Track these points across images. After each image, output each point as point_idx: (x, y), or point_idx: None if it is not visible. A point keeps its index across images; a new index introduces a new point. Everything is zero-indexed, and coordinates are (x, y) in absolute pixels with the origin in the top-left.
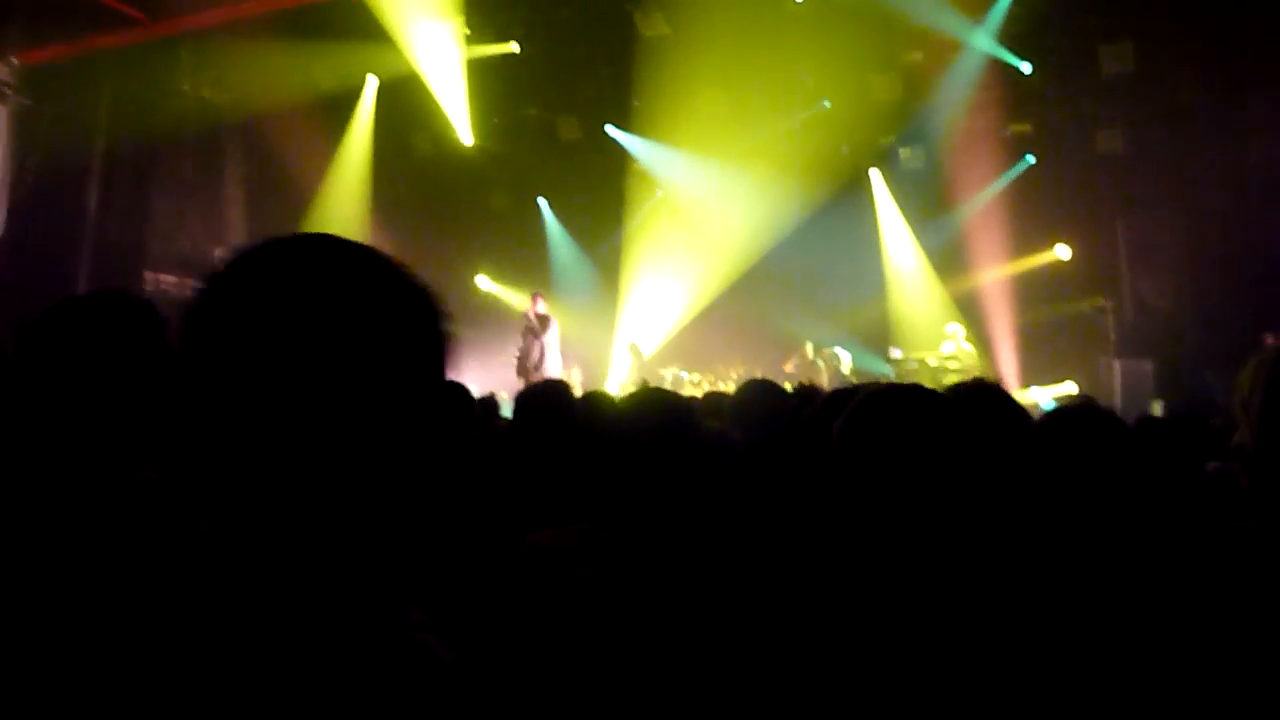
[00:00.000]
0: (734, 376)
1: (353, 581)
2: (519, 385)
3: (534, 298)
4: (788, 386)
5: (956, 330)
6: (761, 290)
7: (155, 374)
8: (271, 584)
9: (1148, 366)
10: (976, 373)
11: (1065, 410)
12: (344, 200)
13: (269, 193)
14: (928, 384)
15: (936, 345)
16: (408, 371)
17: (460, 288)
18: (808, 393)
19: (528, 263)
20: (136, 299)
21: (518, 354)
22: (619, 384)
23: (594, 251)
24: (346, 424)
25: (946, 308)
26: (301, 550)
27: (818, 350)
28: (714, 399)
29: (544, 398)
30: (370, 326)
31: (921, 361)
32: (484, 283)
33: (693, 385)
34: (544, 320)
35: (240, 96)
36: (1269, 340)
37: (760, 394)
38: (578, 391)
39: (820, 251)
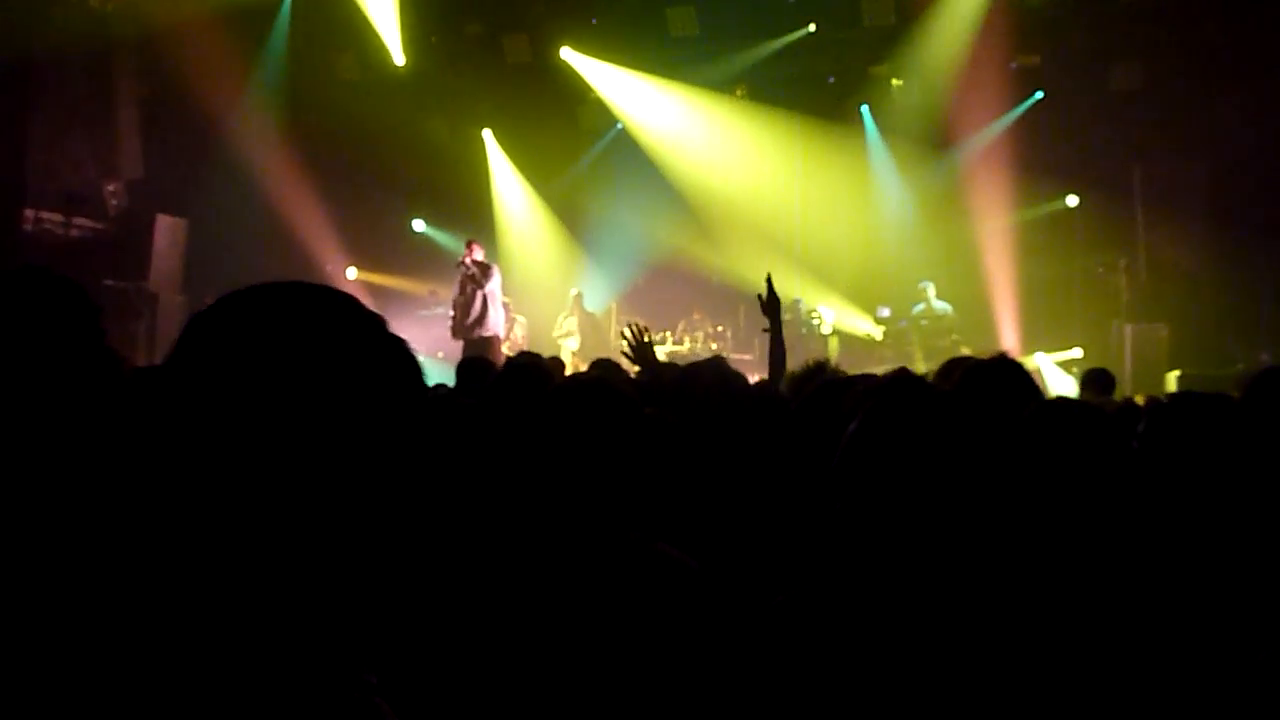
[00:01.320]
0: (700, 336)
1: (311, 643)
2: (456, 346)
3: (468, 245)
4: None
5: (928, 288)
6: (734, 239)
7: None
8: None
9: (1162, 331)
10: (951, 334)
11: (1053, 406)
12: (255, 130)
13: (168, 119)
14: (917, 346)
15: (912, 305)
16: (377, 427)
17: (393, 233)
18: (813, 375)
19: (469, 204)
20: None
21: (453, 309)
22: (559, 340)
23: (545, 191)
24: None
25: (941, 261)
26: (263, 607)
27: (798, 307)
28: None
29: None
30: (342, 390)
31: (912, 321)
32: (420, 226)
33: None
34: (484, 269)
35: (136, 6)
36: None
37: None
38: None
39: (801, 196)
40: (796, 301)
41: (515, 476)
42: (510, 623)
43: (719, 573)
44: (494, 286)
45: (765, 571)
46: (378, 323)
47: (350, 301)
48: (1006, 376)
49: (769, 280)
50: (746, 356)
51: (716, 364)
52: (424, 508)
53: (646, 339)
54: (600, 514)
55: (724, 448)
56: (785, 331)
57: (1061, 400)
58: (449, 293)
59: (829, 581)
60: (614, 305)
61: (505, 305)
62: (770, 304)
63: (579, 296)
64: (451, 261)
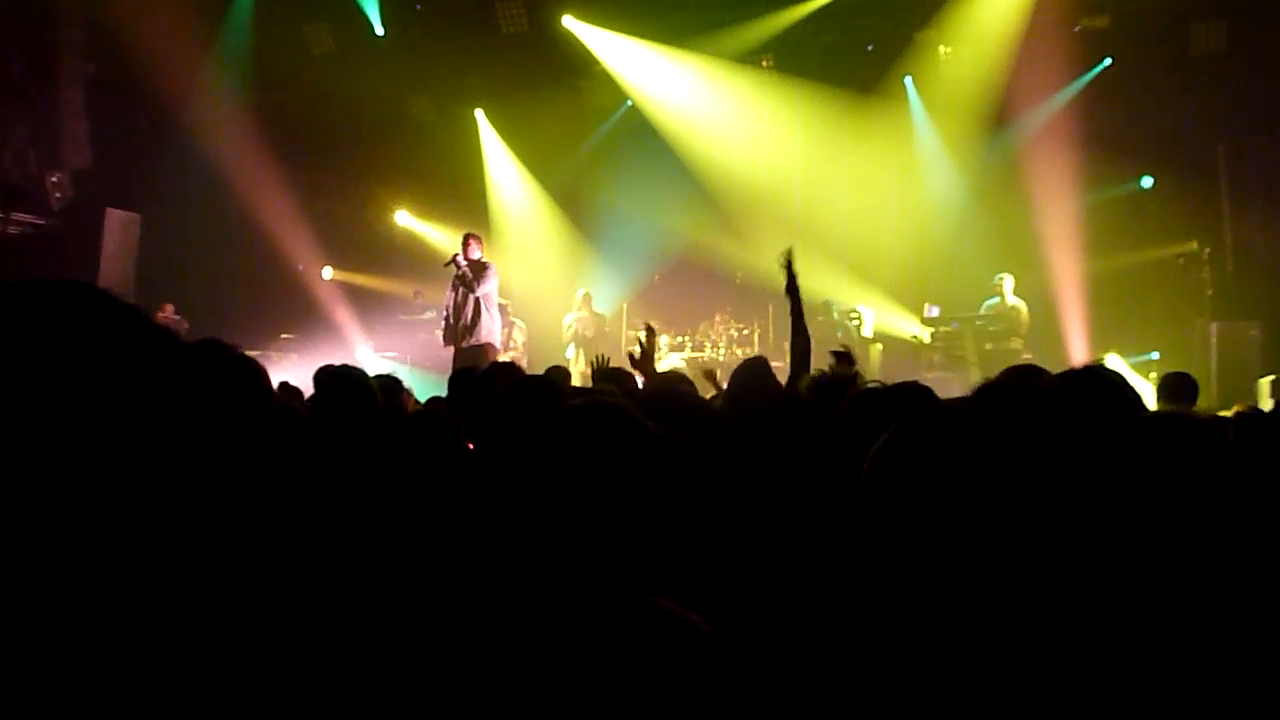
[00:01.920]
0: (724, 340)
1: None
2: (448, 355)
3: (466, 240)
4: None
5: (1004, 281)
6: (761, 230)
7: None
8: None
9: (1252, 331)
10: (1022, 337)
11: (1153, 420)
12: (217, 112)
13: (119, 101)
14: (971, 350)
15: (982, 300)
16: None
17: (372, 227)
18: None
19: (459, 193)
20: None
21: (445, 313)
22: (566, 345)
23: (546, 178)
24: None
25: (998, 252)
26: None
27: (830, 309)
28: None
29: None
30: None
31: (966, 322)
32: (404, 219)
33: (673, 349)
34: (480, 268)
35: None
36: None
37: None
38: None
39: (837, 180)
40: (828, 303)
41: (495, 510)
42: (455, 692)
43: (728, 625)
44: (490, 288)
45: (784, 617)
46: (126, 318)
47: (93, 298)
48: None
49: (788, 257)
50: (777, 364)
51: (758, 365)
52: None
53: (648, 344)
54: (593, 559)
55: (741, 472)
56: (818, 336)
57: (1163, 414)
58: (438, 294)
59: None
60: (624, 306)
61: (502, 308)
62: (789, 285)
63: (587, 297)
64: (439, 259)
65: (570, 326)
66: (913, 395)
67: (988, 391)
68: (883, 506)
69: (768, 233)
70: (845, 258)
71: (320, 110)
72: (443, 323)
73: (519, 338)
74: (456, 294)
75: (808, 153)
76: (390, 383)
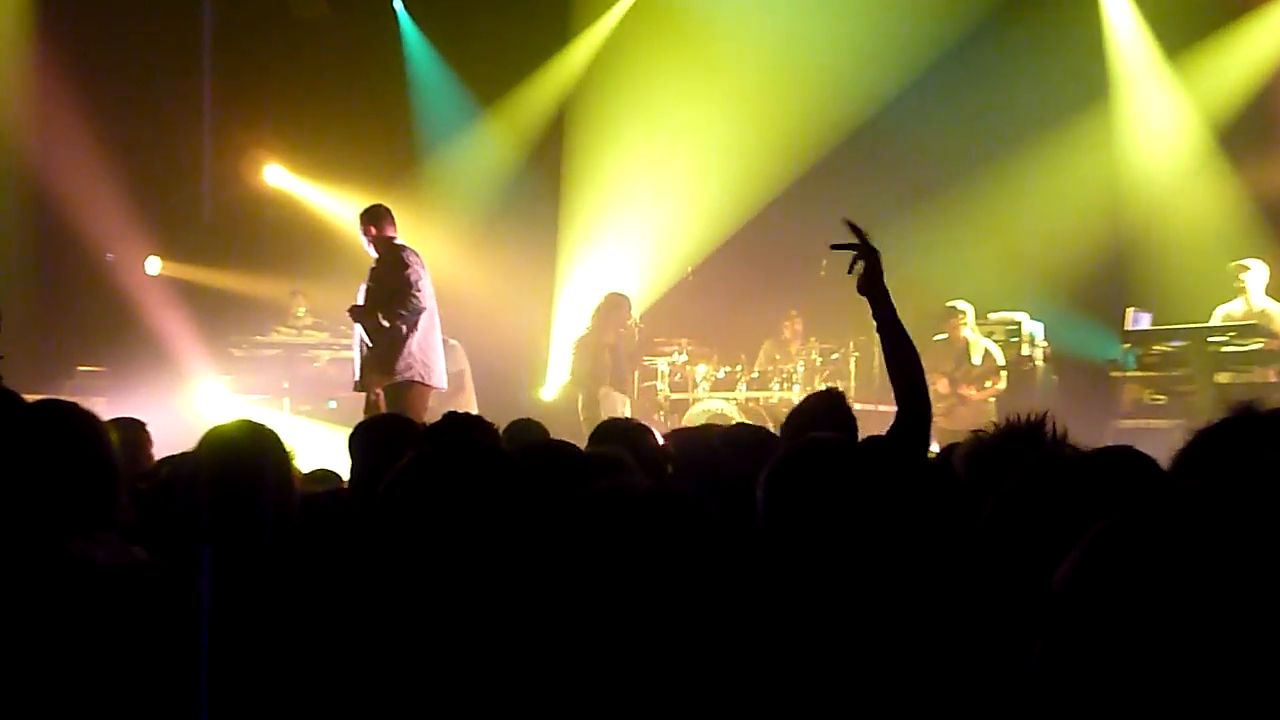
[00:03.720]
0: (796, 372)
1: None
2: (361, 397)
3: (369, 218)
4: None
5: (1251, 274)
6: (856, 194)
7: None
8: None
9: None
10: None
11: None
12: None
13: None
14: (1201, 382)
15: (1219, 302)
16: None
17: (226, 192)
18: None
19: (367, 137)
20: None
21: (357, 312)
22: (564, 386)
23: (509, 110)
24: None
25: (1241, 230)
26: None
27: (961, 317)
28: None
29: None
30: None
31: (1193, 338)
32: (278, 178)
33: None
34: (393, 257)
35: None
36: None
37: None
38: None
39: (980, 114)
40: (955, 308)
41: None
42: None
43: None
44: (411, 290)
45: None
46: None
47: None
48: None
49: (858, 232)
50: (884, 407)
51: (823, 404)
52: None
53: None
54: None
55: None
56: (931, 358)
57: None
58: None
59: None
60: (636, 318)
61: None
62: (868, 273)
63: (619, 305)
64: (332, 243)
65: (584, 350)
66: (1122, 472)
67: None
68: (1080, 648)
69: (866, 199)
70: (995, 237)
71: (136, 25)
72: (355, 352)
73: (461, 362)
74: (373, 299)
75: (933, 73)
76: (133, 433)
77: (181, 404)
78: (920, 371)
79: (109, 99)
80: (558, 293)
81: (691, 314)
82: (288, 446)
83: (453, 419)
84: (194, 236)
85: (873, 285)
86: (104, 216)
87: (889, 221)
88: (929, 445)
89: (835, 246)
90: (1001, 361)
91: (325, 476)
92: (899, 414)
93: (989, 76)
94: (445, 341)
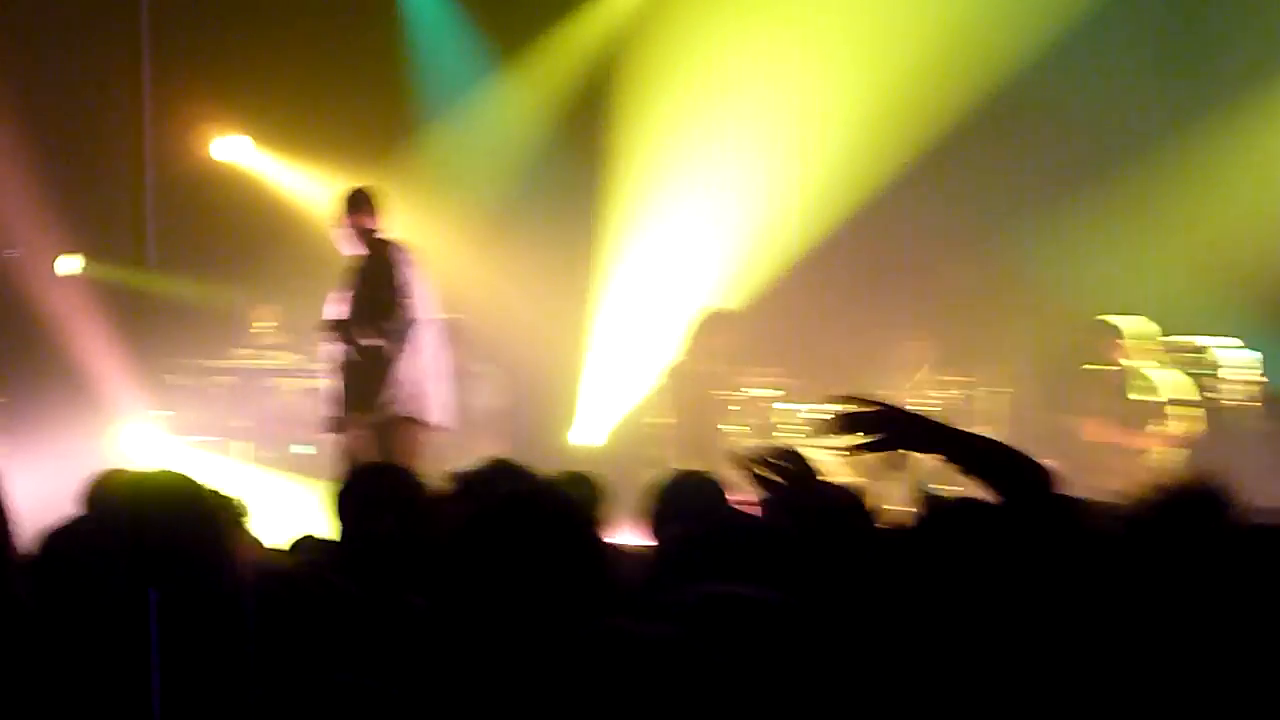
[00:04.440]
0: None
1: None
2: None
3: (352, 204)
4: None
5: None
6: (983, 179)
7: None
8: None
9: None
10: None
11: None
12: None
13: None
14: None
15: None
16: None
17: (168, 168)
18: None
19: (350, 98)
20: None
21: (331, 328)
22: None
23: (533, 66)
24: None
25: None
26: None
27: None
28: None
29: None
30: None
31: None
32: (231, 151)
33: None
34: (384, 251)
35: None
36: None
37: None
38: None
39: (1166, 78)
40: (1109, 324)
41: None
42: None
43: None
44: (414, 299)
45: None
46: None
47: None
48: None
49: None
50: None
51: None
52: None
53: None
54: None
55: None
56: (1077, 393)
57: None
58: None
59: None
60: (697, 339)
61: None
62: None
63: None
64: (300, 237)
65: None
66: None
67: None
68: None
69: (1005, 182)
70: (1183, 234)
71: None
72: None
73: (490, 398)
74: (357, 303)
75: (1101, 16)
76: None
77: (103, 447)
78: (1015, 456)
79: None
80: (594, 303)
81: (781, 334)
82: (234, 501)
83: (499, 470)
84: (121, 228)
85: (934, 440)
86: (3, 201)
87: (1031, 209)
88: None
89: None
90: (1185, 396)
91: (310, 545)
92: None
93: (1182, 13)
94: (467, 369)
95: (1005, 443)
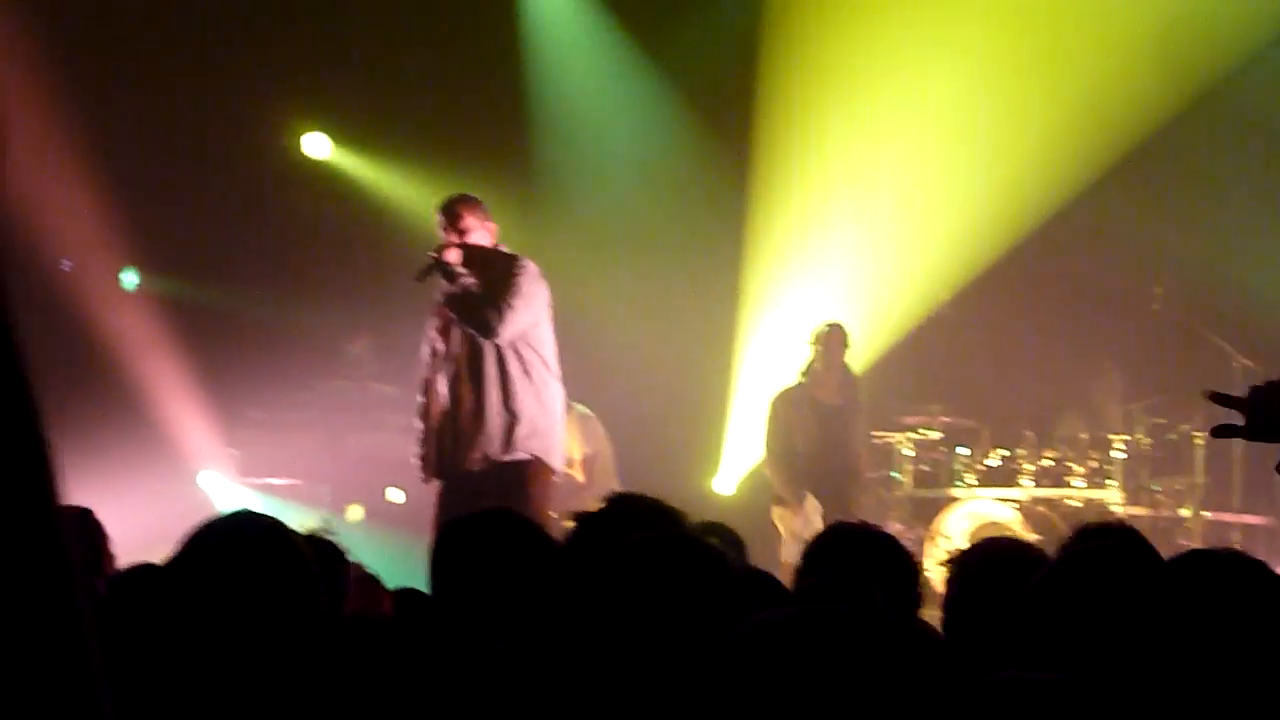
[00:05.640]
0: (1115, 467)
1: None
2: (419, 455)
3: (459, 209)
4: None
5: None
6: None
7: None
8: None
9: None
10: None
11: None
12: None
13: None
14: None
15: None
16: None
17: (245, 168)
18: None
19: (456, 99)
20: None
21: (423, 386)
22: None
23: (672, 66)
24: None
25: None
26: None
27: None
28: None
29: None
30: None
31: None
32: (320, 148)
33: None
34: (501, 261)
35: None
36: None
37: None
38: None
39: None
40: None
41: None
42: None
43: None
44: (530, 318)
45: None
46: None
47: None
48: None
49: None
50: (1249, 519)
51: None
52: None
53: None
54: None
55: None
56: None
57: None
58: (405, 336)
59: None
60: (848, 372)
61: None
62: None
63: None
64: (400, 251)
65: (781, 411)
66: None
67: None
68: None
69: (1212, 196)
70: None
71: None
72: (419, 423)
73: (586, 444)
74: (446, 339)
75: None
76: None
77: (173, 492)
78: None
79: (72, 50)
80: (741, 336)
81: (947, 368)
82: (334, 549)
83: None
84: (191, 239)
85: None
86: (62, 207)
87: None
88: None
89: (1215, 398)
90: None
91: (412, 598)
92: None
93: None
94: (571, 408)
95: None
